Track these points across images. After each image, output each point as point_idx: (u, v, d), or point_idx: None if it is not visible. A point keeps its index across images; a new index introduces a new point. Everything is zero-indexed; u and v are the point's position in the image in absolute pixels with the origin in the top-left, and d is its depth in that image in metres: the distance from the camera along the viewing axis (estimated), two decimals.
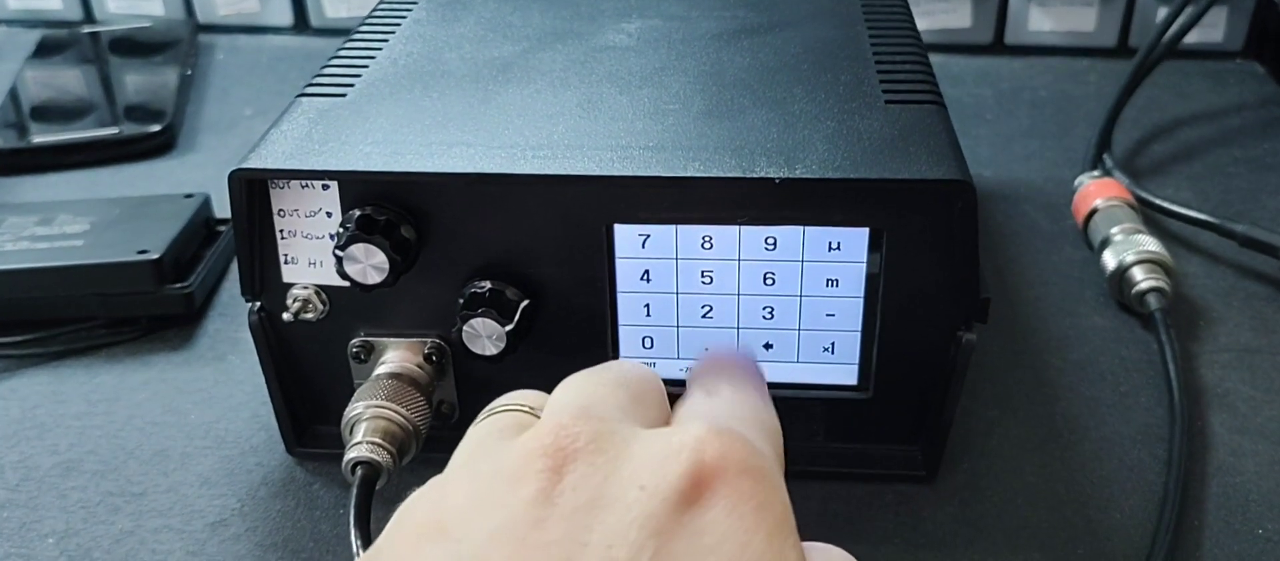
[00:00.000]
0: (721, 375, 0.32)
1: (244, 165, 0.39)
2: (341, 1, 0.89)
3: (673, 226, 0.40)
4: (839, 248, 0.39)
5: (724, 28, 0.50)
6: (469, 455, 0.29)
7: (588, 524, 0.23)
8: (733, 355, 0.35)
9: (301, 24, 0.90)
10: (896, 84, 0.44)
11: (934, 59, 0.81)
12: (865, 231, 0.39)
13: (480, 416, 0.32)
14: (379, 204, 0.39)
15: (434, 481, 0.28)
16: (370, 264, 0.39)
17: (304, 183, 0.40)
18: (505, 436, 0.29)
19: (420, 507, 0.26)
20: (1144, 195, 0.60)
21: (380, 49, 0.48)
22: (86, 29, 0.88)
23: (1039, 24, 0.83)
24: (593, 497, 0.24)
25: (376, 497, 0.39)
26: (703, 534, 0.23)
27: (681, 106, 0.42)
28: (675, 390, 0.31)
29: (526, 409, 0.31)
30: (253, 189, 0.40)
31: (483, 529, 0.24)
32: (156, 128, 0.71)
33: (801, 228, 0.39)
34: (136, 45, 0.85)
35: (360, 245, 0.38)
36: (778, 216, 0.39)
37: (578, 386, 0.29)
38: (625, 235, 0.40)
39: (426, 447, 0.42)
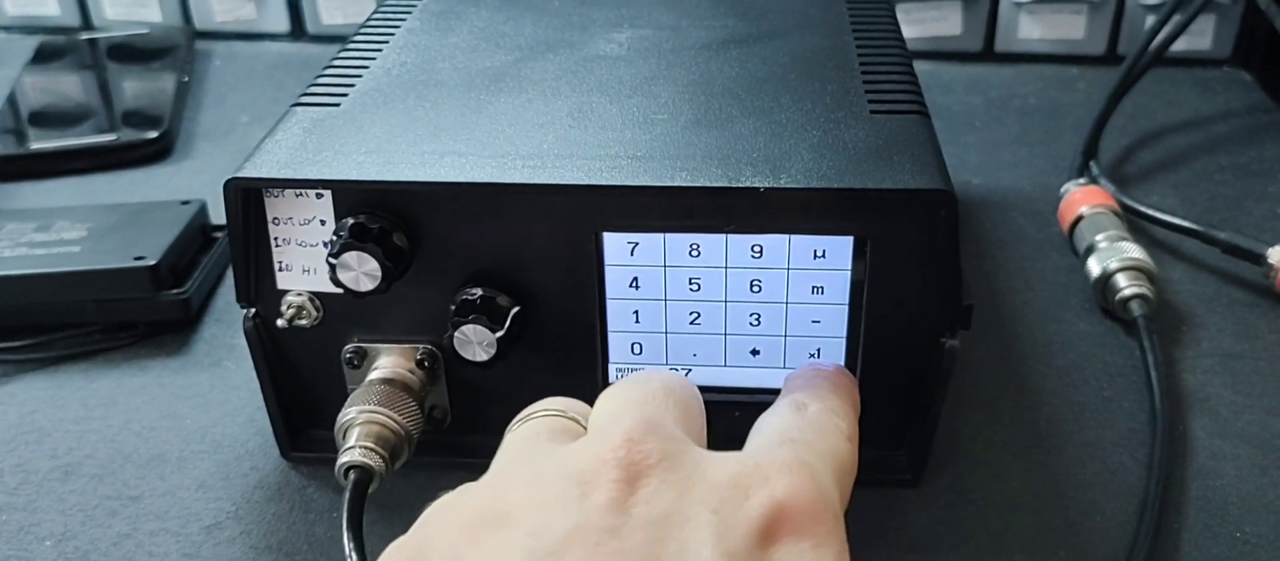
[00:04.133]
0: (817, 392, 0.33)
1: (239, 174, 0.39)
2: (338, 8, 0.89)
3: (661, 234, 0.40)
4: (824, 255, 0.40)
5: (713, 37, 0.51)
6: (520, 453, 0.30)
7: (661, 537, 0.25)
8: (835, 370, 0.36)
9: (298, 30, 0.91)
10: (882, 94, 0.44)
11: (924, 67, 0.82)
12: (850, 240, 0.40)
13: (516, 421, 0.33)
14: (372, 212, 0.40)
15: (477, 482, 0.29)
16: (363, 271, 0.39)
17: (298, 191, 0.40)
18: (557, 439, 0.30)
19: (471, 500, 0.27)
20: (1129, 202, 0.60)
21: (374, 58, 0.49)
22: (84, 36, 0.89)
23: (1029, 32, 0.84)
24: (666, 513, 0.25)
25: (369, 501, 0.39)
26: None
27: (670, 116, 0.43)
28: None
29: (568, 415, 0.32)
30: (248, 197, 0.40)
31: (556, 527, 0.25)
32: (154, 134, 0.72)
33: (787, 236, 0.40)
34: (134, 52, 0.86)
35: (353, 253, 0.39)
36: (763, 225, 0.39)
37: (630, 398, 0.30)
38: (614, 243, 0.41)
39: (418, 452, 0.42)
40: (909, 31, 0.84)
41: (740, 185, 0.38)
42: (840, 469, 0.31)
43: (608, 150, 0.40)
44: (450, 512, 0.27)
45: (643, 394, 0.31)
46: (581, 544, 0.24)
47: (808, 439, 0.31)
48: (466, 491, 0.29)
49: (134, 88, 0.80)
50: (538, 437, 0.31)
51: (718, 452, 0.28)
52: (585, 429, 0.32)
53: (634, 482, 0.26)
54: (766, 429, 0.32)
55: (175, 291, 0.53)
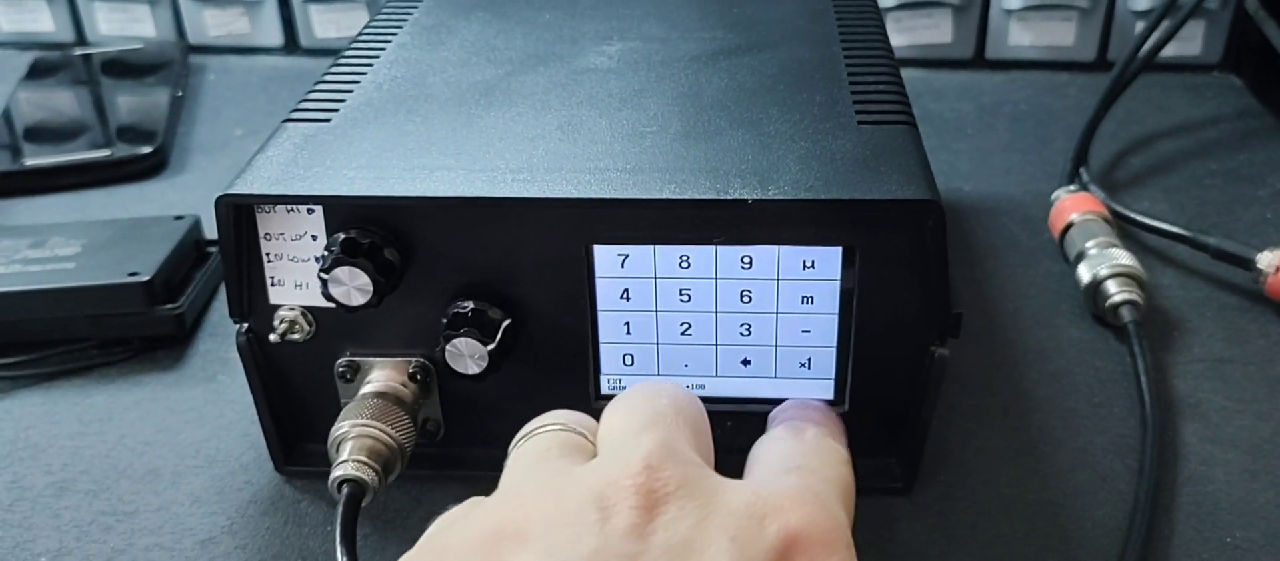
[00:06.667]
0: (809, 419, 0.34)
1: (231, 190, 0.40)
2: (331, 22, 0.90)
3: (651, 246, 0.40)
4: (813, 265, 0.40)
5: (703, 49, 0.51)
6: (534, 470, 0.30)
7: None
8: (816, 405, 0.37)
9: (292, 44, 0.91)
10: (869, 104, 0.45)
11: (916, 74, 0.83)
12: (838, 250, 0.40)
13: (522, 436, 0.33)
14: (363, 227, 0.40)
15: (490, 498, 0.29)
16: (354, 286, 0.39)
17: (289, 207, 0.40)
18: (569, 457, 0.31)
19: (487, 515, 0.28)
20: (1119, 209, 0.61)
21: (365, 73, 0.49)
22: (79, 51, 0.89)
23: (1019, 38, 0.84)
24: (686, 540, 0.26)
25: (362, 514, 0.40)
26: None
27: (659, 128, 0.43)
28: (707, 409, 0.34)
29: (575, 430, 0.32)
30: (240, 213, 0.40)
31: (577, 549, 0.25)
32: (148, 149, 0.72)
33: (776, 247, 0.40)
34: (128, 67, 0.86)
35: (344, 268, 0.39)
36: (752, 236, 0.40)
37: (642, 416, 0.31)
38: (605, 255, 0.41)
39: (411, 464, 0.42)
40: (900, 39, 0.84)
41: (728, 197, 0.38)
42: (845, 492, 0.31)
43: (597, 163, 0.40)
44: (465, 526, 0.28)
45: (654, 412, 0.31)
46: None
47: (812, 465, 0.31)
48: (479, 505, 0.29)
49: (128, 103, 0.80)
50: (549, 454, 0.31)
51: (731, 480, 0.29)
52: (592, 443, 0.32)
53: (653, 509, 0.26)
54: (768, 455, 0.32)
55: (169, 306, 0.54)
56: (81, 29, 0.93)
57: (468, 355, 0.41)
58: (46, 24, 0.93)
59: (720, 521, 0.26)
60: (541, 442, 0.31)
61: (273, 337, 0.42)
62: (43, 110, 0.80)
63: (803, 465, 0.31)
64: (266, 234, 0.41)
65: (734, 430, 0.41)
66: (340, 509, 0.39)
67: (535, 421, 0.33)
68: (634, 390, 0.32)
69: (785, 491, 0.28)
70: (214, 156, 0.75)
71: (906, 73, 0.50)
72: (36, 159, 0.71)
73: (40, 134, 0.75)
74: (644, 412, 0.31)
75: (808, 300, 0.41)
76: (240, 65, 0.90)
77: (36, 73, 0.85)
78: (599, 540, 0.25)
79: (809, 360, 0.42)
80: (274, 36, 0.91)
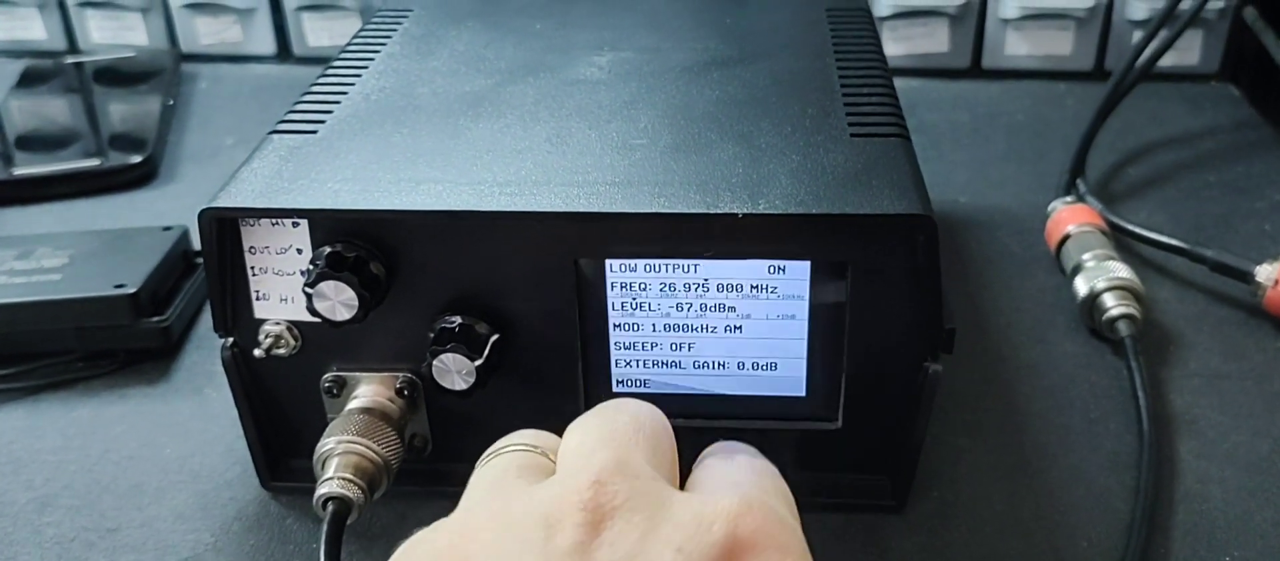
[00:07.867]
0: (732, 448, 0.34)
1: (214, 203, 0.39)
2: (324, 31, 0.89)
3: (641, 260, 0.40)
4: (805, 280, 0.40)
5: (695, 60, 0.50)
6: (490, 491, 0.30)
7: None
8: (736, 445, 0.36)
9: (284, 53, 0.91)
10: (862, 117, 0.44)
11: (912, 83, 0.82)
12: (830, 264, 0.39)
13: (487, 456, 0.33)
14: (348, 241, 0.40)
15: (447, 520, 0.29)
16: (340, 301, 0.39)
17: (274, 220, 0.40)
18: (526, 477, 0.30)
19: (440, 539, 0.27)
20: (1116, 220, 0.60)
21: (353, 84, 0.49)
22: (70, 59, 0.89)
23: (1016, 48, 0.84)
24: (629, 554, 0.25)
25: (348, 532, 0.39)
26: None
27: (649, 141, 0.42)
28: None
29: (538, 450, 0.32)
30: (224, 227, 0.40)
31: None
32: (138, 158, 0.72)
33: (766, 261, 0.39)
34: (120, 75, 0.85)
35: (330, 282, 0.39)
36: (742, 250, 0.39)
37: (599, 433, 0.30)
38: (594, 269, 0.40)
39: (398, 480, 0.42)
40: (896, 48, 0.84)
41: (718, 211, 0.37)
42: (787, 500, 0.31)
43: (586, 176, 0.40)
44: (420, 553, 0.27)
45: (612, 429, 0.31)
46: None
47: (750, 479, 0.31)
48: (437, 530, 0.29)
49: (119, 111, 0.80)
50: (507, 474, 0.31)
51: (683, 493, 0.29)
52: (553, 463, 0.32)
53: (598, 525, 0.26)
54: (705, 479, 0.32)
55: (156, 319, 0.53)
56: (73, 37, 0.92)
57: (455, 371, 0.40)
58: (38, 32, 0.92)
59: (666, 533, 0.26)
60: (501, 463, 0.31)
61: (258, 352, 0.42)
62: (33, 118, 0.79)
63: (740, 481, 0.31)
64: (251, 247, 0.41)
65: None
66: (325, 526, 0.38)
67: (501, 441, 0.33)
68: (596, 408, 0.32)
69: (732, 500, 0.27)
70: (205, 166, 0.74)
71: (902, 82, 0.50)
72: (26, 168, 0.71)
73: (30, 142, 0.75)
74: (602, 430, 0.30)
75: (799, 315, 0.41)
76: (232, 74, 0.89)
77: (27, 81, 0.85)
78: (541, 558, 0.25)
79: (801, 375, 0.42)
80: (266, 45, 0.90)
